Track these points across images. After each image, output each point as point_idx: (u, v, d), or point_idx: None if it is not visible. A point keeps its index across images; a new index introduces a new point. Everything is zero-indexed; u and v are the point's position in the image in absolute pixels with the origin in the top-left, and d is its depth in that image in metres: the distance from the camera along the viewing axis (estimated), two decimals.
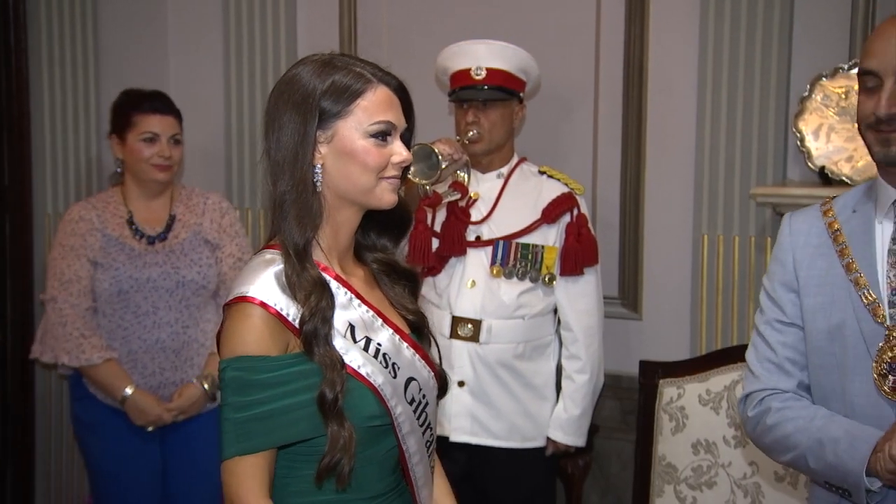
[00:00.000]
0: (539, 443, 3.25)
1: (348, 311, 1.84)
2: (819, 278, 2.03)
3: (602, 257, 3.31)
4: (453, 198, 3.21)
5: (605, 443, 3.66)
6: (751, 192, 3.28)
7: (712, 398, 2.92)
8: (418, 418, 1.90)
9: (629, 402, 3.50)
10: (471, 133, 3.18)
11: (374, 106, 1.82)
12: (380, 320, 1.88)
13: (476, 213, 3.27)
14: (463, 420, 3.21)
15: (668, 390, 2.98)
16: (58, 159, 3.87)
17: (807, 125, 3.30)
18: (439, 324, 3.22)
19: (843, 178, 3.21)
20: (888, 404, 1.91)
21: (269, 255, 1.83)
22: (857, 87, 3.22)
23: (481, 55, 3.19)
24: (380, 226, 1.99)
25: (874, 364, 1.92)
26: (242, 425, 1.73)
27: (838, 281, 1.99)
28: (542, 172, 3.32)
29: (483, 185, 3.29)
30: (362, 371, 1.81)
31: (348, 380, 1.77)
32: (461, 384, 3.20)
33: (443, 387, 2.00)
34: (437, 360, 2.00)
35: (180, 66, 4.29)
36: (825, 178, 3.24)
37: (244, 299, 1.76)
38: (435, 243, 3.26)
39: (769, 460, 2.73)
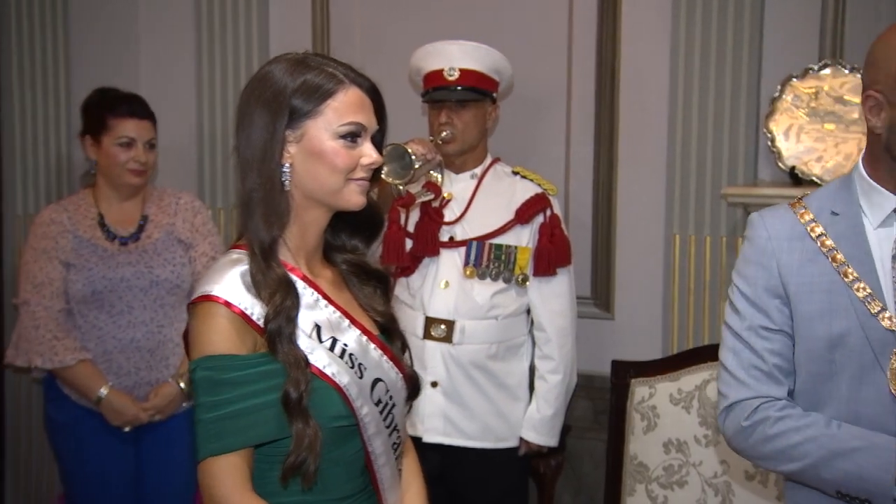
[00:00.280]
0: (512, 443, 3.25)
1: (314, 311, 1.84)
2: (812, 285, 1.98)
3: (574, 257, 3.31)
4: (427, 198, 3.21)
5: (578, 442, 3.67)
6: (722, 192, 3.30)
7: (684, 397, 2.93)
8: (384, 419, 1.89)
9: (601, 402, 3.51)
10: (444, 133, 3.18)
11: (344, 107, 1.81)
12: (347, 321, 1.88)
13: (449, 214, 3.27)
14: (436, 421, 3.21)
15: (640, 390, 2.99)
16: (28, 161, 3.84)
17: (777, 125, 3.32)
18: (413, 324, 3.21)
19: (814, 178, 3.24)
20: None
21: (236, 254, 1.83)
22: (826, 87, 3.28)
23: (454, 56, 3.19)
24: (351, 227, 1.98)
25: (889, 371, 1.88)
26: (215, 425, 1.73)
27: (836, 288, 1.95)
28: (515, 173, 3.32)
29: (456, 186, 3.29)
30: (327, 371, 1.80)
31: (313, 380, 1.77)
32: (434, 385, 3.20)
33: (414, 388, 2.00)
34: (409, 362, 2.00)
35: (152, 66, 4.26)
36: (795, 178, 3.26)
37: (208, 298, 1.76)
38: (408, 244, 3.26)
39: (740, 459, 2.76)
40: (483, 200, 3.27)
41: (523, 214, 3.22)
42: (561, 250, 3.23)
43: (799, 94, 3.30)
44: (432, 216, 3.24)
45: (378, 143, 1.91)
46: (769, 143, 3.32)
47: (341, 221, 1.95)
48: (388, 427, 1.90)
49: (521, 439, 3.24)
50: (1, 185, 3.79)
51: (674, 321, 3.49)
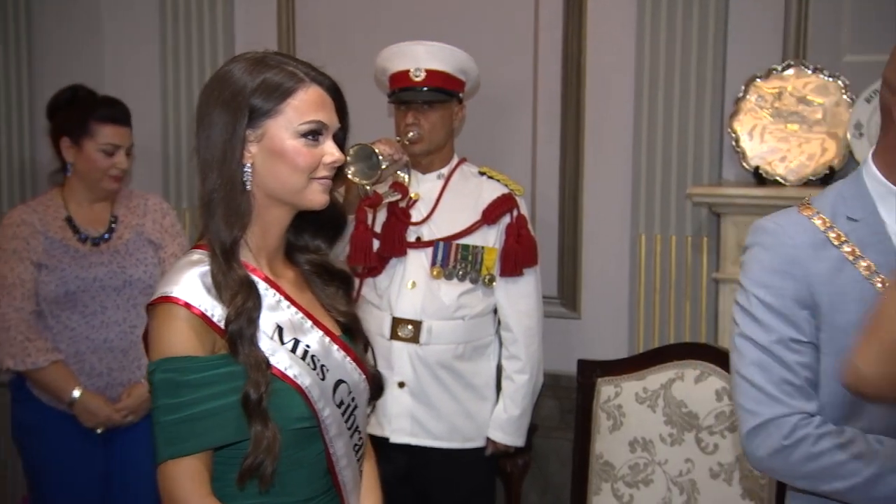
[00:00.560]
0: (479, 443, 3.26)
1: (276, 312, 1.83)
2: (845, 295, 1.87)
3: (541, 257, 3.32)
4: (394, 198, 3.21)
5: (545, 442, 3.69)
6: (687, 192, 3.32)
7: (649, 396, 2.94)
8: (346, 421, 1.89)
9: (568, 402, 3.52)
10: (411, 134, 3.18)
11: (305, 105, 1.80)
12: (309, 322, 1.87)
13: (416, 214, 3.27)
14: (403, 421, 3.21)
15: (606, 389, 3.00)
16: None
17: (742, 125, 3.34)
18: (379, 325, 3.21)
19: (777, 178, 3.27)
20: None
21: (197, 255, 1.82)
22: (789, 87, 3.31)
23: (420, 56, 3.19)
24: (314, 226, 1.97)
25: None
26: (174, 428, 1.71)
27: (868, 297, 1.82)
28: (482, 173, 3.32)
29: (423, 186, 3.29)
30: (289, 373, 1.79)
31: (275, 381, 1.76)
32: (401, 385, 3.20)
33: (377, 389, 2.00)
34: (371, 362, 2.00)
35: (116, 65, 4.22)
36: (760, 177, 3.29)
37: (168, 299, 1.75)
38: (375, 244, 3.25)
39: (704, 458, 2.79)
40: (450, 201, 3.27)
41: (490, 215, 3.23)
42: (527, 251, 3.24)
43: (763, 95, 3.33)
44: (399, 216, 3.24)
45: (340, 141, 1.90)
46: (734, 142, 3.34)
47: (304, 221, 1.94)
48: (349, 429, 1.90)
49: (488, 439, 3.25)
50: None
51: (640, 320, 3.51)
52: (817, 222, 1.92)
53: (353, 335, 1.98)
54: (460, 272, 3.21)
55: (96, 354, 3.19)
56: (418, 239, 3.25)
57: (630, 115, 3.50)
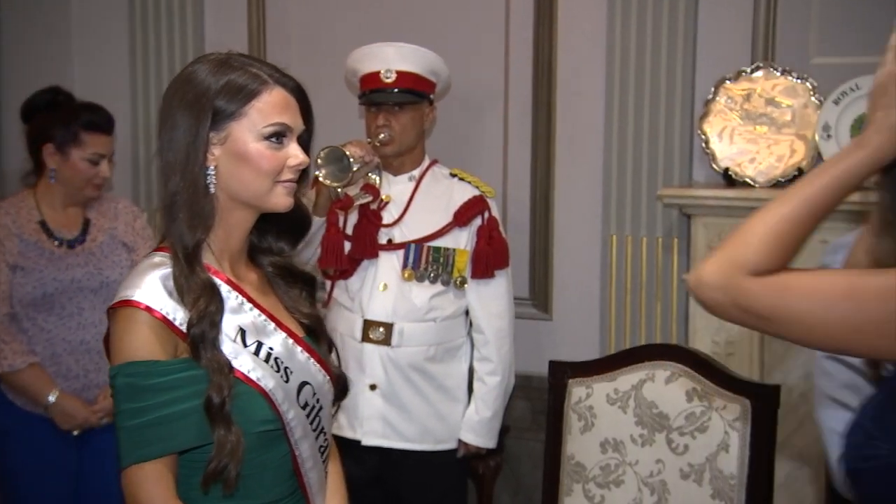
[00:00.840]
0: (451, 445, 3.26)
1: (239, 315, 1.82)
2: None
3: (512, 258, 3.33)
4: (365, 200, 3.21)
5: (516, 443, 3.70)
6: (658, 193, 3.34)
7: (620, 397, 2.95)
8: (311, 423, 1.88)
9: (539, 403, 3.53)
10: (382, 135, 3.17)
11: (269, 107, 1.79)
12: (272, 324, 1.86)
13: (388, 216, 3.26)
14: (375, 423, 3.20)
15: (577, 390, 3.01)
16: None
17: (711, 127, 3.36)
18: (351, 327, 3.21)
19: (747, 180, 3.29)
20: None
21: (158, 258, 1.80)
22: (758, 89, 3.33)
23: (391, 58, 3.19)
24: (278, 228, 1.96)
25: None
26: (138, 432, 1.70)
27: None
28: (453, 175, 3.32)
29: (395, 188, 3.28)
30: (252, 376, 1.78)
31: (238, 384, 1.75)
32: (373, 387, 3.19)
33: (341, 390, 1.99)
34: (336, 363, 1.99)
35: (85, 67, 4.20)
36: (729, 179, 3.31)
37: (129, 303, 1.73)
38: (347, 246, 3.25)
39: (675, 458, 2.80)
40: (421, 203, 3.27)
41: (461, 217, 3.23)
42: (499, 252, 3.24)
43: (732, 97, 3.35)
44: (370, 218, 3.24)
45: (305, 143, 1.88)
46: (703, 144, 3.36)
47: (267, 223, 1.93)
48: (314, 430, 1.89)
49: (460, 441, 3.25)
50: None
51: (611, 321, 3.53)
52: None
53: (316, 337, 1.97)
54: (432, 274, 3.21)
55: (73, 356, 3.17)
56: (390, 241, 3.24)
57: (601, 117, 3.51)
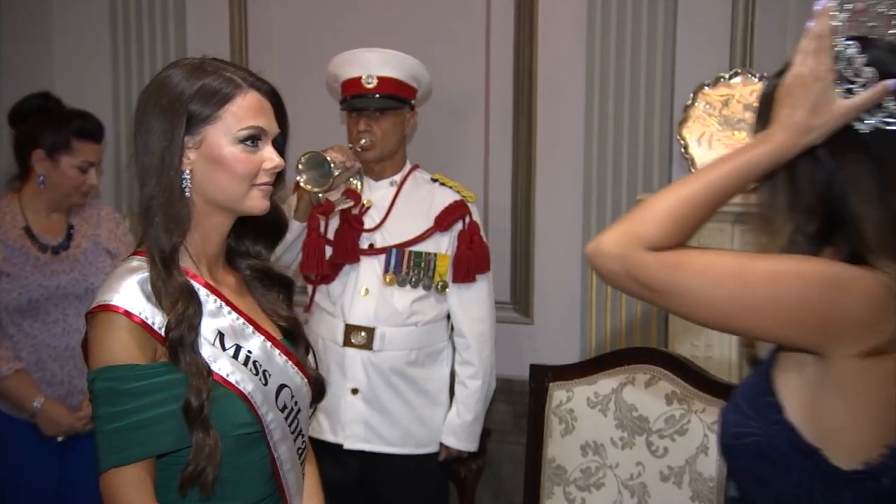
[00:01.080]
0: (433, 448, 3.27)
1: (217, 318, 1.83)
2: None
3: (494, 263, 3.34)
4: (346, 205, 3.23)
5: (498, 446, 3.71)
6: (638, 198, 3.36)
7: (600, 400, 2.97)
8: (290, 425, 1.89)
9: (521, 406, 3.55)
10: (363, 141, 3.19)
11: (243, 111, 1.80)
12: (250, 327, 1.87)
13: (369, 221, 3.27)
14: (357, 427, 3.21)
15: (558, 393, 3.02)
16: None
17: (690, 133, 3.38)
18: (333, 332, 3.22)
19: None
20: None
21: (136, 262, 1.81)
22: (736, 95, 3.36)
23: (372, 63, 3.20)
24: (255, 231, 1.97)
25: None
26: (116, 436, 1.71)
27: None
28: (434, 180, 3.34)
29: (376, 193, 3.30)
30: (231, 379, 1.79)
31: (217, 388, 1.75)
32: (355, 392, 3.20)
33: (319, 392, 2.00)
34: (313, 366, 2.00)
35: (67, 72, 4.20)
36: None
37: (107, 308, 1.73)
38: (328, 251, 3.26)
39: (655, 461, 2.82)
40: (402, 208, 3.28)
41: (442, 222, 3.24)
42: (480, 257, 3.25)
43: (711, 102, 3.37)
44: (352, 223, 3.25)
45: (280, 146, 1.90)
46: (683, 150, 3.38)
47: (244, 226, 1.94)
48: (293, 433, 1.90)
49: (442, 444, 3.26)
50: None
51: (591, 325, 3.54)
52: None
53: (294, 339, 1.98)
54: (413, 279, 3.22)
55: (58, 362, 3.17)
56: (371, 246, 3.26)
57: (581, 122, 3.54)
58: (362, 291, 3.22)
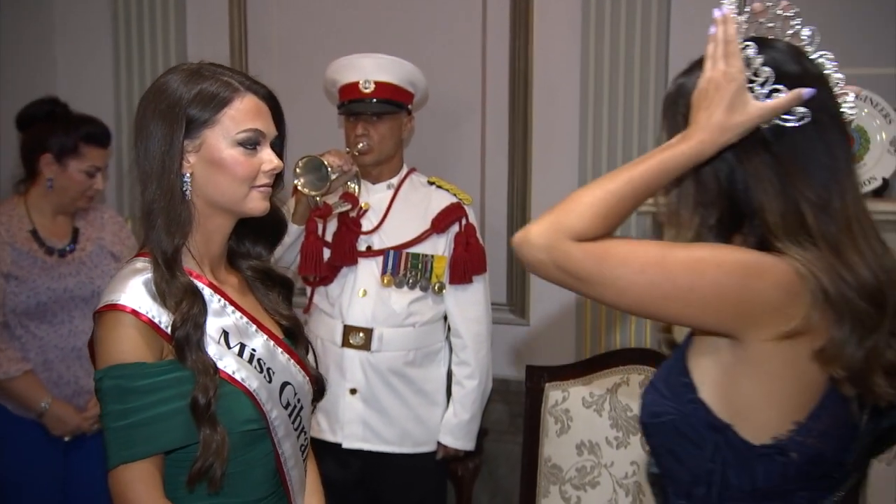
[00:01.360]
0: (430, 447, 3.29)
1: (222, 317, 1.86)
2: None
3: (490, 265, 3.37)
4: (344, 209, 3.25)
5: (494, 445, 3.73)
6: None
7: (595, 400, 3.01)
8: (293, 422, 1.92)
9: (517, 406, 3.57)
10: (360, 145, 3.22)
11: (241, 114, 1.84)
12: (254, 326, 1.91)
13: (367, 224, 3.30)
14: (356, 427, 3.25)
15: (554, 393, 3.06)
16: None
17: None
18: (331, 332, 3.25)
19: None
20: None
21: (140, 263, 1.84)
22: None
23: (369, 69, 3.24)
24: (255, 233, 2.01)
25: None
26: (125, 433, 1.74)
27: None
28: (431, 183, 3.37)
29: (373, 196, 3.33)
30: (237, 376, 1.83)
31: (223, 385, 1.79)
32: (353, 392, 3.24)
33: (319, 390, 2.04)
34: (314, 365, 2.04)
35: (68, 77, 4.21)
36: None
37: (115, 307, 1.76)
38: (326, 254, 3.29)
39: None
40: (400, 210, 3.31)
41: (439, 224, 3.27)
42: (476, 259, 3.28)
43: None
44: (350, 226, 3.28)
45: (278, 148, 1.93)
46: None
47: (245, 228, 1.97)
48: (296, 430, 1.94)
49: (439, 443, 3.29)
50: None
51: (586, 327, 3.56)
52: None
53: (294, 338, 2.02)
54: (410, 280, 3.25)
55: (64, 363, 3.21)
56: (369, 248, 3.29)
57: (576, 125, 3.56)
58: (360, 293, 3.25)
